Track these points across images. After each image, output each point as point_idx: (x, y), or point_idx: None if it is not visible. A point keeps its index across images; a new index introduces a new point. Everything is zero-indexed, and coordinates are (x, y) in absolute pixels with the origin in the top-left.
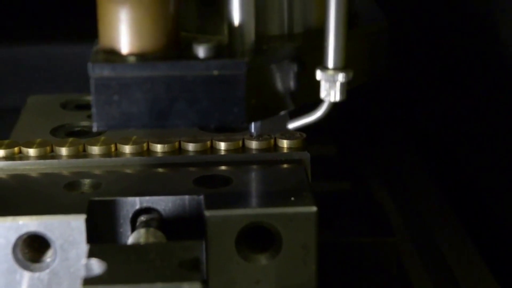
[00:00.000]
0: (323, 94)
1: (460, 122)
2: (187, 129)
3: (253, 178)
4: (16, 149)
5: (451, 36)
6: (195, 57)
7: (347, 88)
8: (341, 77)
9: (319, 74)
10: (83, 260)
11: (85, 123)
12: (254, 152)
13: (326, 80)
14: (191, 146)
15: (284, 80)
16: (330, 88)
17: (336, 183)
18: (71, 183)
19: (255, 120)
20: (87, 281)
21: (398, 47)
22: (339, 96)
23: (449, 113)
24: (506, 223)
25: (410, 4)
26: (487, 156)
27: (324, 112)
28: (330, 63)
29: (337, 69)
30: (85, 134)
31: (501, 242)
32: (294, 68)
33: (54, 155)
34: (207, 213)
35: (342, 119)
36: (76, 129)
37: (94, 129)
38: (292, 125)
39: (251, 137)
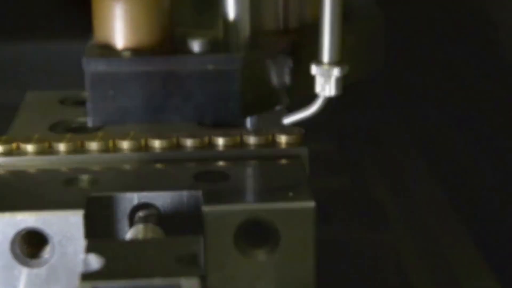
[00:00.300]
0: (318, 88)
1: (460, 121)
2: (185, 124)
3: (251, 174)
4: (14, 145)
5: (452, 35)
6: (190, 52)
7: (342, 83)
8: (336, 71)
9: (314, 69)
10: (81, 256)
11: (83, 119)
12: (252, 147)
13: (321, 75)
14: (189, 142)
15: (279, 75)
16: (325, 83)
17: (335, 179)
18: (69, 179)
19: (250, 115)
20: (85, 276)
21: (399, 44)
22: (334, 90)
23: (450, 111)
24: (507, 221)
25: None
26: (487, 154)
27: (320, 107)
28: (325, 57)
29: (332, 63)
30: (83, 130)
31: (501, 240)
32: (289, 62)
33: (52, 151)
34: (205, 208)
35: (342, 115)
36: (74, 125)
37: (90, 124)
38: (287, 120)
39: (249, 133)
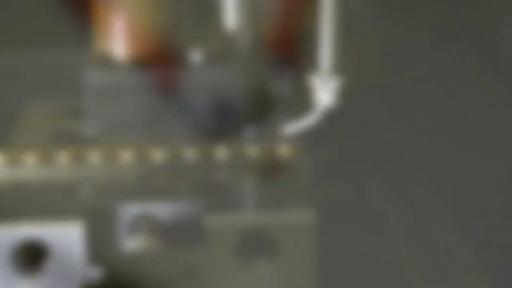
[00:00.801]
0: (317, 98)
1: (459, 123)
2: (186, 134)
3: (252, 185)
4: (14, 155)
5: (451, 36)
6: (191, 62)
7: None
8: (334, 80)
9: (312, 78)
10: (82, 267)
11: (83, 129)
12: (252, 157)
13: (320, 84)
14: (189, 152)
15: (279, 84)
16: (324, 92)
17: (336, 187)
18: (70, 190)
19: (251, 125)
20: (85, 287)
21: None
22: (333, 100)
23: (448, 113)
24: (507, 225)
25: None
26: (487, 156)
27: (319, 116)
28: (324, 67)
29: (330, 73)
30: (84, 140)
31: (500, 244)
32: (289, 72)
33: (52, 161)
34: (206, 219)
35: (341, 122)
36: (75, 135)
37: (89, 134)
38: (288, 129)
39: (250, 143)
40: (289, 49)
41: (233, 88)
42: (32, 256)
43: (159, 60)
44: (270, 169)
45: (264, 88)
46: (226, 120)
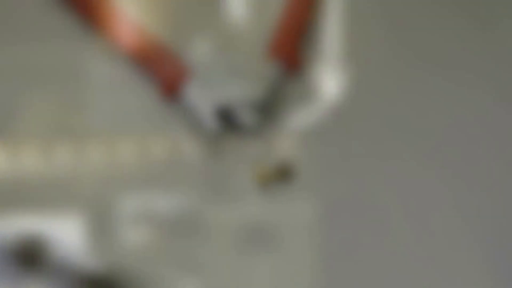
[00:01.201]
0: (319, 90)
1: (465, 120)
2: (188, 128)
3: (251, 177)
4: (12, 148)
5: (450, 36)
6: (193, 57)
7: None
8: (338, 72)
9: (315, 70)
10: (81, 260)
11: (84, 122)
12: (252, 150)
13: (322, 76)
14: (189, 145)
15: (284, 79)
16: (326, 85)
17: (338, 182)
18: (70, 182)
19: (254, 118)
20: (85, 280)
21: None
22: (335, 92)
23: (454, 110)
24: (507, 222)
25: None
26: (492, 155)
27: (320, 109)
28: (326, 59)
29: (332, 65)
30: (84, 133)
31: (504, 243)
32: (294, 67)
33: (52, 154)
34: (206, 212)
35: (345, 117)
36: (76, 127)
37: (89, 126)
38: (291, 123)
39: (250, 136)
40: (294, 42)
41: (236, 83)
42: (31, 248)
43: (160, 54)
44: (274, 170)
45: (268, 82)
46: (228, 114)
